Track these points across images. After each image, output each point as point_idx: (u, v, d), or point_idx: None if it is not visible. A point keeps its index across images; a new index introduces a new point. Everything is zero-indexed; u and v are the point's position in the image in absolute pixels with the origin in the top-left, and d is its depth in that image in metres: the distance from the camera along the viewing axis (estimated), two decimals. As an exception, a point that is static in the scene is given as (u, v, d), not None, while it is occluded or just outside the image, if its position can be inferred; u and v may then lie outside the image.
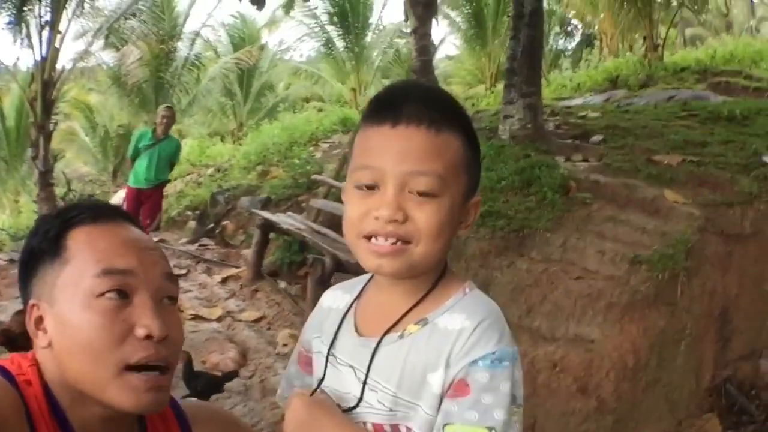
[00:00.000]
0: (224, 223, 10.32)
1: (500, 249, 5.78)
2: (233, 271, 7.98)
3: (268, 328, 6.36)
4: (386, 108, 1.21)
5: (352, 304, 1.36)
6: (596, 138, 8.34)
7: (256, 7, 7.32)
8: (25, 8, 11.99)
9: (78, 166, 23.38)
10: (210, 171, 14.82)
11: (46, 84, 12.10)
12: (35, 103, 12.26)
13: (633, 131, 8.46)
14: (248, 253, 8.08)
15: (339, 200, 7.86)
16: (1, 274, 8.97)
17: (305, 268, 7.66)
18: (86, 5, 12.93)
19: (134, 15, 15.84)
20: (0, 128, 19.74)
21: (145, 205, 8.59)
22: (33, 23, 12.26)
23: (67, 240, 1.13)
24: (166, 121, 8.62)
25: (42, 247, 1.15)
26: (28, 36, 12.41)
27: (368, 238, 1.19)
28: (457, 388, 1.15)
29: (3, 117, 19.68)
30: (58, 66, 12.71)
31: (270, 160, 12.83)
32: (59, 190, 14.06)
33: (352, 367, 1.26)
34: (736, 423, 4.98)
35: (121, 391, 1.07)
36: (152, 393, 1.09)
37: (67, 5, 12.38)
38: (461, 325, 1.18)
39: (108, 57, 18.66)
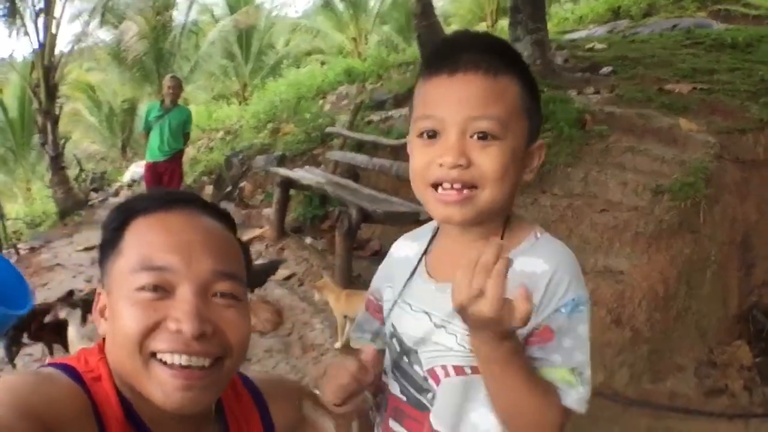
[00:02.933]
0: (242, 184, 10.28)
1: (522, 187, 5.65)
2: (257, 231, 7.93)
3: (300, 285, 6.32)
4: (443, 58, 1.22)
5: (423, 252, 1.38)
6: (606, 69, 8.31)
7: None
8: (18, -1, 11.90)
9: (86, 146, 23.41)
10: (220, 134, 14.78)
11: (47, 70, 12.09)
12: (38, 90, 12.29)
13: (642, 61, 8.43)
14: (270, 212, 8.02)
15: (355, 150, 7.92)
16: (24, 262, 9.03)
17: (329, 221, 7.63)
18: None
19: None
20: (3, 119, 19.66)
21: (165, 176, 8.50)
22: (27, 12, 12.18)
23: (125, 232, 1.10)
24: (172, 91, 8.48)
25: (106, 238, 1.13)
26: (24, 25, 12.35)
27: (435, 187, 1.21)
28: (541, 334, 1.20)
29: (5, 108, 19.61)
30: (57, 51, 12.65)
31: (280, 117, 12.75)
32: (71, 172, 14.07)
33: (426, 312, 1.29)
34: (765, 349, 5.01)
35: (152, 385, 1.03)
36: (182, 392, 1.03)
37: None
38: (540, 269, 1.20)
39: (105, 35, 18.55)
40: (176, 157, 8.65)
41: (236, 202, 9.72)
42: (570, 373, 1.19)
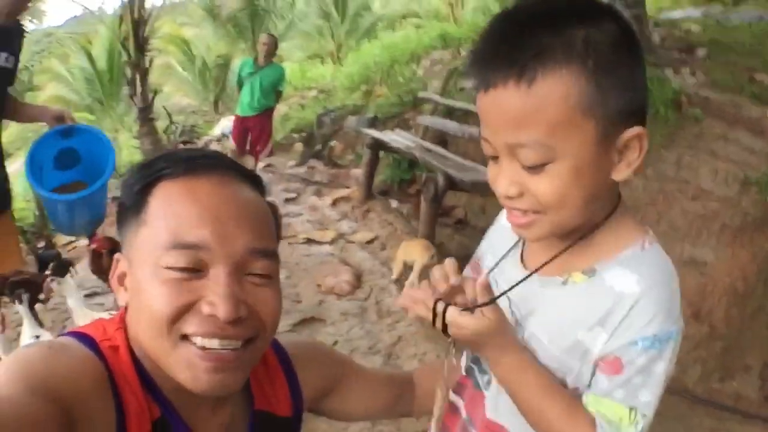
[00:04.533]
0: (332, 144, 10.30)
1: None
2: (344, 192, 7.90)
3: (382, 249, 6.24)
4: (475, 66, 1.03)
5: None
6: (701, 52, 7.97)
7: None
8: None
9: (178, 99, 23.74)
10: (313, 93, 14.81)
11: (137, 23, 12.21)
12: (127, 43, 12.42)
13: (734, 48, 8.09)
14: (358, 173, 7.99)
15: (445, 116, 7.80)
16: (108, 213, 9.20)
17: (415, 186, 7.53)
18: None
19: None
20: (91, 70, 20.04)
21: (253, 132, 8.57)
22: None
23: (150, 197, 1.01)
24: (267, 48, 8.49)
25: (128, 201, 1.04)
26: None
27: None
28: (612, 363, 1.06)
29: (92, 60, 19.97)
30: (149, 4, 12.79)
31: (373, 79, 12.67)
32: (160, 124, 14.26)
33: (509, 298, 1.17)
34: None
35: (180, 366, 0.97)
36: (212, 375, 0.97)
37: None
38: (630, 290, 1.05)
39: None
40: (266, 113, 8.67)
41: (325, 161, 9.74)
42: (628, 412, 1.05)
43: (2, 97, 3.33)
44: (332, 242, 6.42)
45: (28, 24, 21.39)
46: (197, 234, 0.96)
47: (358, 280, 5.52)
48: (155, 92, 13.47)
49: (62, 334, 1.05)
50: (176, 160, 1.03)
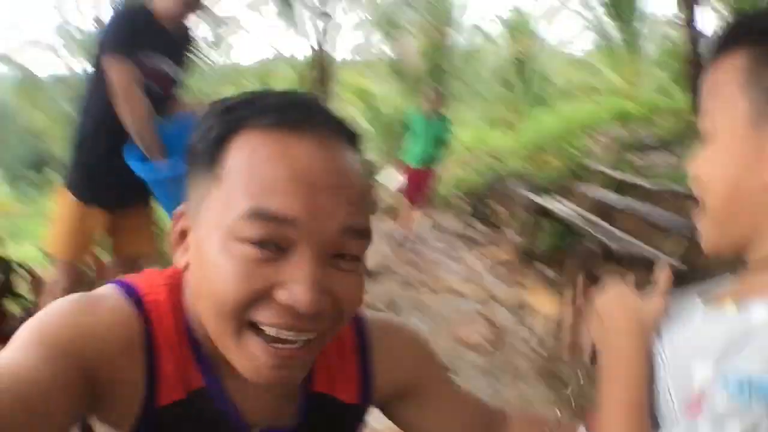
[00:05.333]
0: (493, 205, 10.30)
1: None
2: (498, 252, 7.91)
3: (528, 312, 6.18)
4: None
5: None
6: None
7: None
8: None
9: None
10: (484, 156, 14.90)
11: (322, 71, 12.74)
12: (312, 88, 12.95)
13: None
14: (515, 235, 8.01)
15: (610, 189, 7.70)
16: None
17: (571, 254, 7.45)
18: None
19: (409, 5, 16.24)
20: None
21: (417, 183, 8.72)
22: (306, 14, 12.96)
23: (229, 146, 0.84)
24: (433, 102, 8.68)
25: (200, 147, 0.88)
26: (302, 26, 13.15)
27: None
28: (694, 404, 0.85)
29: None
30: (335, 55, 13.38)
31: (544, 148, 12.65)
32: None
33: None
34: None
35: (241, 356, 0.85)
36: (276, 370, 0.85)
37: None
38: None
39: (385, 46, 19.37)
40: (433, 165, 8.81)
41: (484, 219, 9.76)
42: None
43: (164, 104, 3.48)
44: (478, 299, 6.42)
45: (217, 58, 22.93)
46: (286, 203, 0.79)
47: (498, 339, 5.47)
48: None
49: (110, 282, 0.96)
50: (266, 107, 0.85)
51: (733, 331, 0.84)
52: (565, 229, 7.32)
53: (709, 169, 0.97)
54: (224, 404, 0.95)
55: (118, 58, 3.16)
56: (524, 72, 21.51)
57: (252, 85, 21.48)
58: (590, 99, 19.85)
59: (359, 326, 1.12)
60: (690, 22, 9.61)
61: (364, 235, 0.87)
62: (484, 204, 10.50)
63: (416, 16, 17.70)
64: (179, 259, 0.92)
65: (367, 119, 23.27)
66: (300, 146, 0.82)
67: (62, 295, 0.92)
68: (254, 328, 0.83)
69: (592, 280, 5.93)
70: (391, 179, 8.80)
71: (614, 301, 1.05)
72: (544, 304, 6.10)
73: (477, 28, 20.76)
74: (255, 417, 0.98)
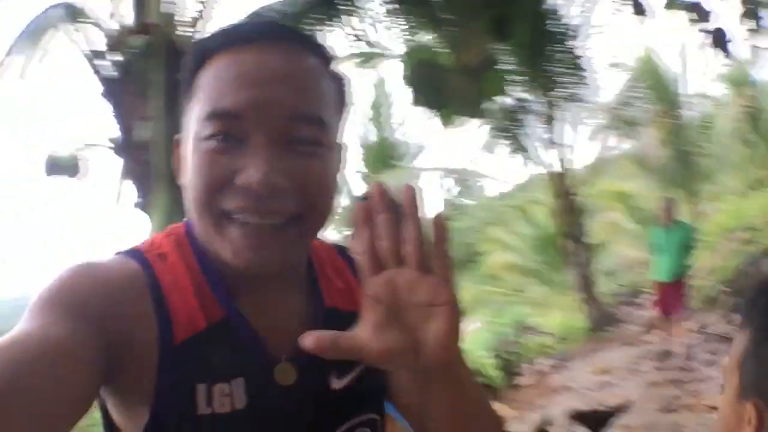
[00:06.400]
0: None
1: None
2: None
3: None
4: None
5: None
6: None
7: (637, 15, 6.90)
8: (520, 130, 12.98)
9: (626, 253, 23.82)
10: (741, 234, 13.91)
11: (564, 190, 12.75)
12: (558, 209, 12.96)
13: None
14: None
15: None
16: (533, 381, 9.51)
17: None
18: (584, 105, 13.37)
19: (632, 101, 16.03)
20: (534, 236, 20.93)
21: (669, 297, 8.43)
22: (535, 145, 13.17)
23: (201, 71, 0.96)
24: (666, 211, 8.51)
25: (184, 81, 1.00)
26: (537, 155, 13.31)
27: None
28: None
29: (533, 225, 20.82)
30: (578, 166, 13.31)
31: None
32: (606, 283, 14.10)
33: None
34: None
35: (224, 245, 0.93)
36: (253, 251, 0.92)
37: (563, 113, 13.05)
38: None
39: (624, 143, 19.06)
40: (682, 276, 8.53)
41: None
42: None
43: None
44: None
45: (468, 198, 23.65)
46: (233, 100, 0.91)
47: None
48: (595, 251, 13.59)
49: (117, 253, 1.03)
50: (232, 34, 0.98)
51: None
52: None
53: None
54: (248, 333, 0.99)
55: None
56: (758, 126, 20.05)
57: (508, 215, 21.84)
58: None
59: (340, 249, 1.19)
60: None
61: (314, 121, 0.94)
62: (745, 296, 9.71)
63: (645, 106, 17.37)
64: (179, 180, 1.00)
65: (633, 220, 22.71)
66: (251, 55, 0.93)
67: None
68: (228, 218, 0.92)
69: None
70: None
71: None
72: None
73: (702, 96, 19.83)
74: (279, 345, 1.01)
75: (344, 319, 0.98)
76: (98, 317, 0.87)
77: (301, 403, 1.02)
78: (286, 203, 0.92)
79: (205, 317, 0.97)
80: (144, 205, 6.72)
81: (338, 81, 1.02)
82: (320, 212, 0.97)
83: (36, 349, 0.79)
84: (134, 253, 0.99)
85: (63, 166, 7.24)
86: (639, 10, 6.72)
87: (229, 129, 0.91)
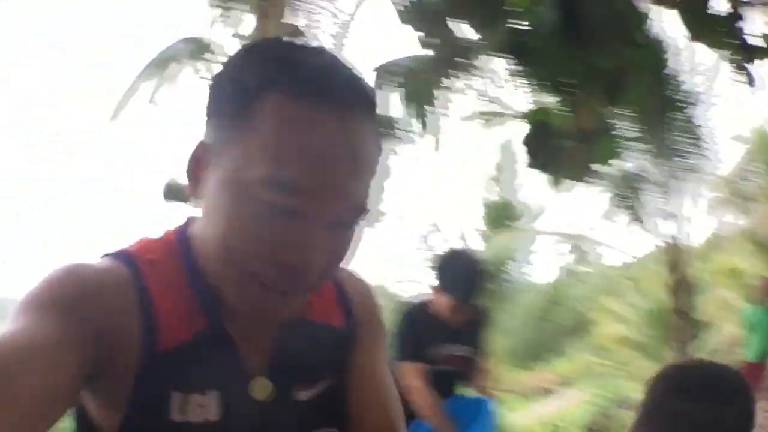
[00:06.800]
0: None
1: None
2: None
3: None
4: None
5: None
6: None
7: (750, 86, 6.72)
8: (637, 200, 12.81)
9: (733, 331, 22.95)
10: None
11: (679, 267, 12.48)
12: (671, 283, 12.69)
13: None
14: None
15: None
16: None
17: None
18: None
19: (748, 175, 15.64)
20: (645, 309, 20.42)
21: (750, 376, 8.05)
22: (651, 215, 12.96)
23: (259, 103, 0.87)
24: (762, 289, 8.32)
25: (230, 89, 0.92)
26: (654, 227, 13.09)
27: None
28: None
29: (645, 299, 20.35)
30: (691, 240, 13.06)
31: None
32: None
33: None
34: None
35: (240, 299, 0.94)
36: (272, 312, 0.94)
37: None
38: None
39: (740, 218, 18.56)
40: (765, 357, 8.24)
41: None
42: None
43: (465, 378, 4.00)
44: None
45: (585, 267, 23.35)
46: (309, 181, 0.86)
47: None
48: (702, 328, 13.26)
49: (105, 255, 1.00)
50: (300, 71, 0.88)
51: None
52: None
53: None
54: (227, 346, 0.99)
55: (406, 363, 3.67)
56: None
57: (623, 285, 21.39)
58: None
59: (339, 288, 1.18)
60: None
61: (365, 209, 0.93)
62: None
63: (761, 181, 16.91)
64: (191, 190, 0.96)
65: (743, 298, 21.90)
66: (323, 119, 0.86)
67: None
68: (252, 275, 0.90)
69: None
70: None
71: None
72: None
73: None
74: (255, 358, 1.02)
75: (324, 331, 1.09)
76: (84, 320, 0.87)
77: (272, 416, 1.03)
78: (313, 278, 0.92)
79: (190, 328, 0.96)
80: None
81: (380, 148, 0.97)
82: (320, 286, 0.99)
83: (19, 352, 0.80)
84: (124, 257, 0.98)
85: (180, 193, 7.47)
86: (751, 81, 6.69)
87: (290, 203, 0.86)
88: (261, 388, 1.02)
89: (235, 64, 0.93)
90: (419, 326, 3.78)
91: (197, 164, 0.95)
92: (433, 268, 3.88)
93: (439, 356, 3.78)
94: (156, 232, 1.04)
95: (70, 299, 0.88)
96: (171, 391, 0.94)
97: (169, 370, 0.94)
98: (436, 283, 3.80)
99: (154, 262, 0.98)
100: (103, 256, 0.99)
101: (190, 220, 1.04)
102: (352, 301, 1.16)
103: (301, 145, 0.85)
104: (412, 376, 3.66)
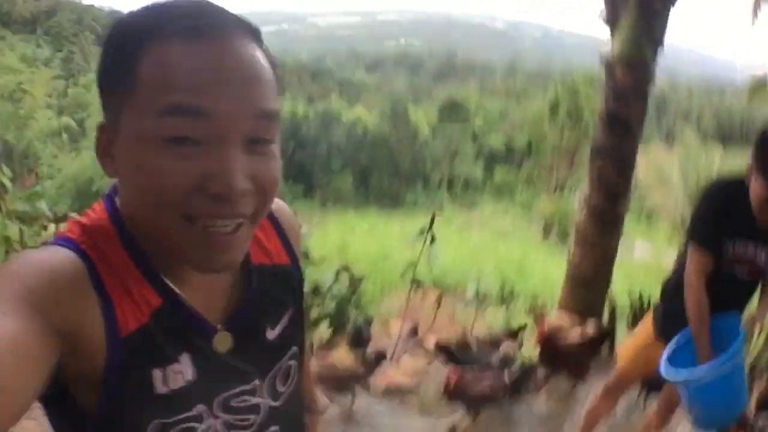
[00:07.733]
0: None
1: None
2: None
3: None
4: None
5: None
6: None
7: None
8: None
9: None
10: None
11: None
12: None
13: None
14: None
15: None
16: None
17: None
18: None
19: None
20: None
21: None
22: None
23: (141, 59, 0.87)
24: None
25: (112, 60, 0.91)
26: None
27: None
28: None
29: None
30: None
31: None
32: None
33: None
34: None
35: (183, 249, 0.91)
36: (219, 255, 0.92)
37: None
38: None
39: None
40: None
41: None
42: None
43: (749, 289, 3.22)
44: None
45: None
46: (201, 99, 0.84)
47: None
48: None
49: (45, 243, 0.97)
50: (174, 18, 0.88)
51: None
52: None
53: None
54: (186, 313, 0.99)
55: (696, 248, 3.04)
56: None
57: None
58: None
59: (272, 219, 1.21)
60: None
61: (273, 117, 0.91)
62: None
63: None
64: (107, 170, 0.95)
65: None
66: (206, 43, 0.86)
67: None
68: (189, 220, 0.88)
69: None
70: None
71: None
72: None
73: None
74: (215, 315, 1.04)
75: (271, 272, 1.13)
76: (46, 309, 0.84)
77: (242, 361, 1.05)
78: (248, 206, 0.91)
79: (147, 309, 0.96)
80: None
81: (274, 64, 0.96)
82: (270, 205, 0.98)
83: None
84: (69, 243, 0.94)
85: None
86: None
87: (195, 129, 0.85)
88: (222, 342, 1.03)
89: (109, 38, 0.93)
90: (724, 207, 2.98)
91: (102, 145, 0.94)
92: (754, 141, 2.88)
93: (731, 254, 3.05)
94: (81, 213, 1.02)
95: (30, 289, 0.85)
96: (150, 370, 0.95)
97: (140, 351, 0.94)
98: (753, 162, 2.86)
99: (99, 248, 0.95)
100: (46, 244, 0.96)
101: (111, 195, 1.02)
102: (289, 235, 1.20)
103: (184, 75, 0.84)
104: (694, 269, 3.04)
